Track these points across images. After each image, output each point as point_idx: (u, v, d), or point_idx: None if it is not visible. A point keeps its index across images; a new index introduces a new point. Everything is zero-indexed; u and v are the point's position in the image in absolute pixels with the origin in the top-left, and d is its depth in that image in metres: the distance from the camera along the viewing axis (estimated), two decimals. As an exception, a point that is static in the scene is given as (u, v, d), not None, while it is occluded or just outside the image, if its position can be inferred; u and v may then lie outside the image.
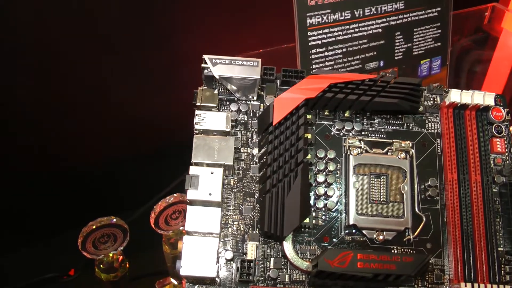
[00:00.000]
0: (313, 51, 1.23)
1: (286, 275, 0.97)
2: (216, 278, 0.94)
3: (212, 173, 0.94)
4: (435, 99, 1.10)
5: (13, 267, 1.49)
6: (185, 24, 1.47)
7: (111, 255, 1.36)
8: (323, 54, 1.24)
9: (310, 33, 1.22)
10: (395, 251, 1.00)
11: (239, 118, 1.04)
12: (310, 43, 1.23)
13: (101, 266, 1.37)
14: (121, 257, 1.40)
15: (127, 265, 1.40)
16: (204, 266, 0.90)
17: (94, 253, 1.33)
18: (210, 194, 0.93)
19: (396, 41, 1.33)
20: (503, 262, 1.01)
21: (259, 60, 0.98)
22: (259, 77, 0.97)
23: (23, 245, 1.53)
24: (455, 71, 1.49)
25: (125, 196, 1.57)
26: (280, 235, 0.94)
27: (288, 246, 0.97)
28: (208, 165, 0.96)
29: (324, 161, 1.03)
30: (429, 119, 1.09)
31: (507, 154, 1.08)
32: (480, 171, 1.04)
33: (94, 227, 1.32)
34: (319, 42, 1.24)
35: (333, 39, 1.25)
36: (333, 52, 1.26)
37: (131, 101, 1.49)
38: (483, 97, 1.06)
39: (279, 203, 0.94)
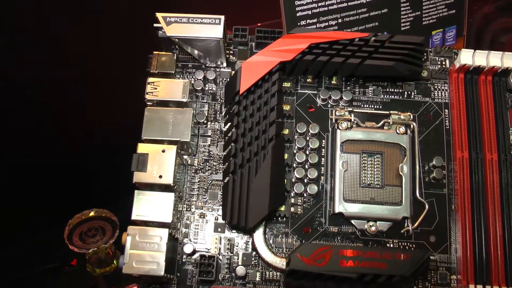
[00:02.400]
0: (302, 22, 1.02)
1: (257, 273, 0.78)
2: (172, 276, 0.76)
3: (163, 151, 0.75)
4: (443, 63, 0.88)
5: (16, 258, 1.38)
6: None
7: (102, 249, 1.20)
8: (314, 27, 1.02)
9: (297, 2, 1.00)
10: (390, 245, 0.79)
11: (206, 88, 0.85)
12: (298, 14, 1.01)
13: (91, 260, 1.21)
14: (112, 251, 1.23)
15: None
16: (151, 262, 0.72)
17: (82, 247, 1.17)
18: (160, 177, 0.74)
19: (402, 9, 1.10)
20: (525, 259, 0.79)
21: (222, 17, 0.79)
22: (221, 36, 0.77)
23: (26, 236, 1.40)
24: (476, 42, 1.24)
25: (121, 188, 1.41)
26: (245, 226, 0.74)
27: (259, 238, 0.77)
28: (160, 141, 0.77)
29: (306, 137, 0.82)
30: (436, 86, 0.87)
31: (531, 127, 0.85)
32: (497, 148, 0.82)
33: (79, 220, 1.16)
34: (309, 12, 1.02)
35: (326, 8, 1.03)
36: (326, 24, 1.04)
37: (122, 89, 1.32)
38: (501, 58, 0.84)
39: (245, 187, 0.75)
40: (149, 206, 0.74)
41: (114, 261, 1.19)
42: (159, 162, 0.75)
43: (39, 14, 1.19)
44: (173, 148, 0.75)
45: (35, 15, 1.19)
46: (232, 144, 0.77)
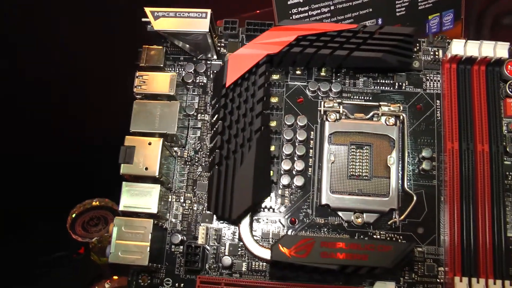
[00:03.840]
0: (294, 10, 1.00)
1: (244, 264, 0.77)
2: (160, 265, 0.76)
3: (149, 144, 0.75)
4: (436, 53, 0.85)
5: (26, 247, 1.39)
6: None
7: (106, 237, 1.21)
8: (306, 14, 1.00)
9: (288, -10, 0.99)
10: (377, 237, 0.78)
11: (197, 80, 0.84)
12: (289, 2, 0.99)
13: (95, 249, 1.23)
14: None
15: None
16: (136, 253, 0.72)
17: (85, 236, 1.19)
18: (146, 169, 0.74)
19: (397, -7, 1.06)
20: (514, 251, 0.77)
21: (208, 11, 0.78)
22: (208, 30, 0.77)
23: (34, 223, 1.42)
24: (476, 26, 1.19)
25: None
26: (229, 217, 0.73)
27: (245, 229, 0.77)
28: (147, 134, 0.77)
29: (296, 129, 0.81)
30: (428, 77, 0.85)
31: (524, 118, 0.82)
32: (489, 139, 0.79)
33: (81, 209, 1.18)
34: (300, 0, 1.00)
35: None
36: (319, 11, 1.01)
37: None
38: (494, 48, 0.81)
39: (230, 178, 0.74)
40: (136, 197, 0.75)
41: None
42: (145, 154, 0.75)
43: (42, 14, 1.19)
44: (159, 140, 0.75)
45: (36, 15, 1.19)
46: (218, 136, 0.76)
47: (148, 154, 0.75)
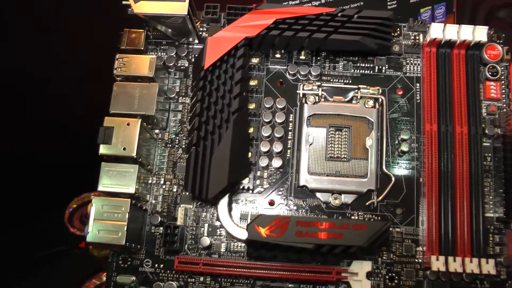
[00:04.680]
0: (284, 4, 1.00)
1: (222, 244, 0.77)
2: (139, 246, 0.76)
3: (128, 124, 0.75)
4: (417, 37, 0.85)
5: (25, 241, 1.39)
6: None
7: None
8: None
9: (279, -17, 0.99)
10: (355, 217, 0.77)
11: (179, 64, 0.84)
12: None
13: None
14: None
15: None
16: (113, 232, 0.72)
17: (83, 229, 1.19)
18: (124, 149, 0.74)
19: (388, -14, 1.06)
20: (492, 230, 0.76)
21: (187, -6, 0.77)
22: (186, 13, 0.77)
23: (33, 219, 1.42)
24: (471, 19, 1.17)
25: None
26: (206, 197, 0.73)
27: (223, 210, 0.77)
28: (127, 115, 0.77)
29: (274, 111, 0.81)
30: (408, 61, 0.84)
31: (503, 100, 0.81)
32: (468, 121, 0.79)
33: (79, 202, 1.17)
34: None
35: None
36: (309, 5, 1.01)
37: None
38: (473, 32, 0.80)
39: (207, 159, 0.74)
40: (115, 178, 0.75)
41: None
42: (124, 134, 0.75)
43: (42, 14, 1.19)
44: (138, 121, 0.75)
45: (36, 15, 1.19)
46: (196, 117, 0.76)
47: (126, 134, 0.75)
